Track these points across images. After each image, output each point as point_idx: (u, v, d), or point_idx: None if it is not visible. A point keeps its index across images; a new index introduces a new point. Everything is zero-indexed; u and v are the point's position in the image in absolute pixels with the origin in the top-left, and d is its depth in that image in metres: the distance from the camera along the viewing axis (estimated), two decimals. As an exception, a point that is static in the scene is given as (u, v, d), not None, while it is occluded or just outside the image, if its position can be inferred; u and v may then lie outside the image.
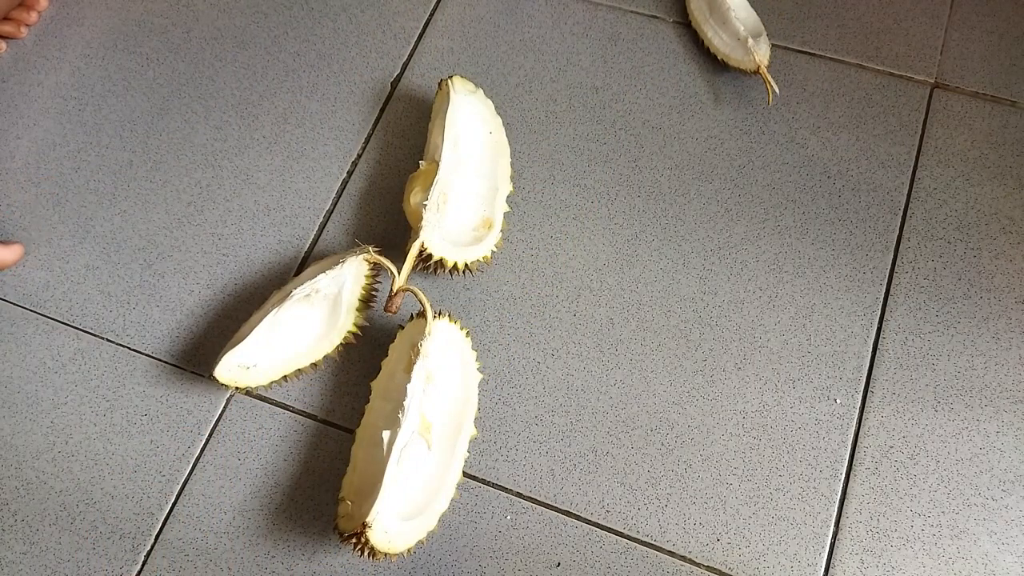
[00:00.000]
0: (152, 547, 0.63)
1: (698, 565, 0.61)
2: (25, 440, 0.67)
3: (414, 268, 0.67)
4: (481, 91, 0.74)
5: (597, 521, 0.63)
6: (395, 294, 0.64)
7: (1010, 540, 0.61)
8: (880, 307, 0.69)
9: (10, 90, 0.82)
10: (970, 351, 0.67)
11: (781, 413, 0.65)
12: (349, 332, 0.66)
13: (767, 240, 0.72)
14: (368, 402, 0.64)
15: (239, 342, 0.64)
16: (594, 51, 0.81)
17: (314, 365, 0.66)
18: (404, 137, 0.78)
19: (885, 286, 0.69)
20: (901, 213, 0.72)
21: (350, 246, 0.73)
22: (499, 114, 0.74)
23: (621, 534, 0.62)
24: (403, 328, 0.65)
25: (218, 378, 0.63)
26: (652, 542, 0.62)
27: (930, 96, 0.77)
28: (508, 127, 0.75)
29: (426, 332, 0.62)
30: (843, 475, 0.63)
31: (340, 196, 0.76)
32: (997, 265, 0.70)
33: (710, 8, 0.79)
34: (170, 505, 0.65)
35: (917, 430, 0.64)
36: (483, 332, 0.69)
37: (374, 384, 0.64)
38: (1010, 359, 0.66)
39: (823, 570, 0.61)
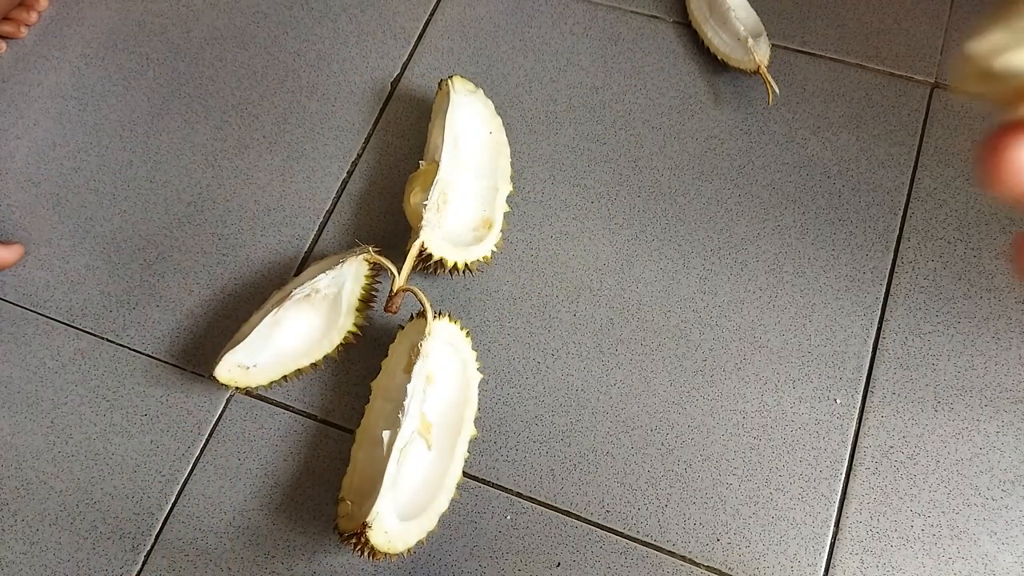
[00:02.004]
0: (152, 547, 0.63)
1: (698, 565, 0.61)
2: (25, 440, 0.67)
3: (414, 268, 0.67)
4: (481, 91, 0.74)
5: (597, 521, 0.63)
6: (395, 294, 0.64)
7: (1010, 540, 0.61)
8: (880, 307, 0.69)
9: (10, 90, 0.82)
10: (970, 351, 0.67)
11: (781, 413, 0.65)
12: (349, 332, 0.66)
13: (767, 240, 0.72)
14: (368, 402, 0.64)
15: (239, 342, 0.64)
16: (594, 51, 0.81)
17: (314, 365, 0.66)
18: (404, 137, 0.78)
19: (885, 286, 0.69)
20: (901, 213, 0.72)
21: (350, 246, 0.73)
22: (499, 114, 0.74)
23: (621, 534, 0.62)
24: (403, 328, 0.65)
25: (218, 378, 0.63)
26: (652, 542, 0.62)
27: (930, 96, 0.77)
28: (508, 127, 0.75)
29: (426, 332, 0.62)
30: (843, 475, 0.63)
31: (340, 196, 0.76)
32: (997, 265, 0.70)
33: (710, 8, 0.79)
34: (170, 505, 0.65)
35: (917, 430, 0.64)
36: (483, 332, 0.69)
37: (374, 384, 0.64)
38: (1010, 359, 0.66)
39: (823, 570, 0.61)
